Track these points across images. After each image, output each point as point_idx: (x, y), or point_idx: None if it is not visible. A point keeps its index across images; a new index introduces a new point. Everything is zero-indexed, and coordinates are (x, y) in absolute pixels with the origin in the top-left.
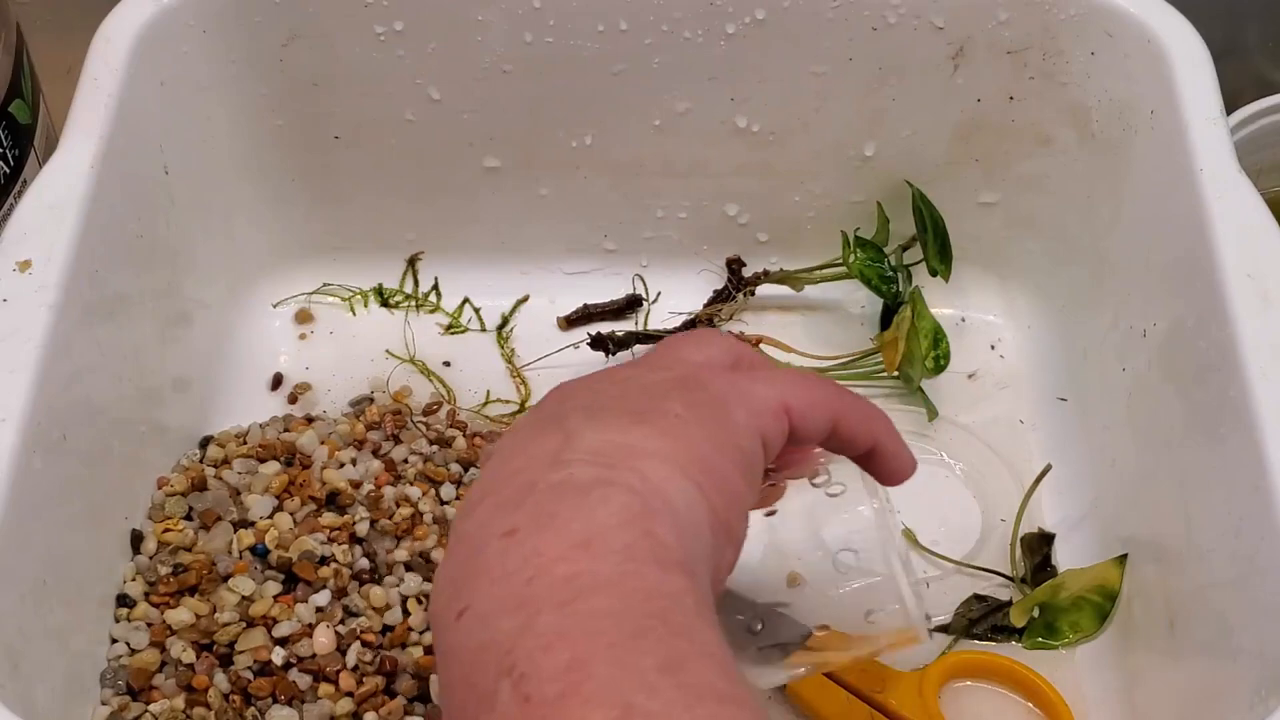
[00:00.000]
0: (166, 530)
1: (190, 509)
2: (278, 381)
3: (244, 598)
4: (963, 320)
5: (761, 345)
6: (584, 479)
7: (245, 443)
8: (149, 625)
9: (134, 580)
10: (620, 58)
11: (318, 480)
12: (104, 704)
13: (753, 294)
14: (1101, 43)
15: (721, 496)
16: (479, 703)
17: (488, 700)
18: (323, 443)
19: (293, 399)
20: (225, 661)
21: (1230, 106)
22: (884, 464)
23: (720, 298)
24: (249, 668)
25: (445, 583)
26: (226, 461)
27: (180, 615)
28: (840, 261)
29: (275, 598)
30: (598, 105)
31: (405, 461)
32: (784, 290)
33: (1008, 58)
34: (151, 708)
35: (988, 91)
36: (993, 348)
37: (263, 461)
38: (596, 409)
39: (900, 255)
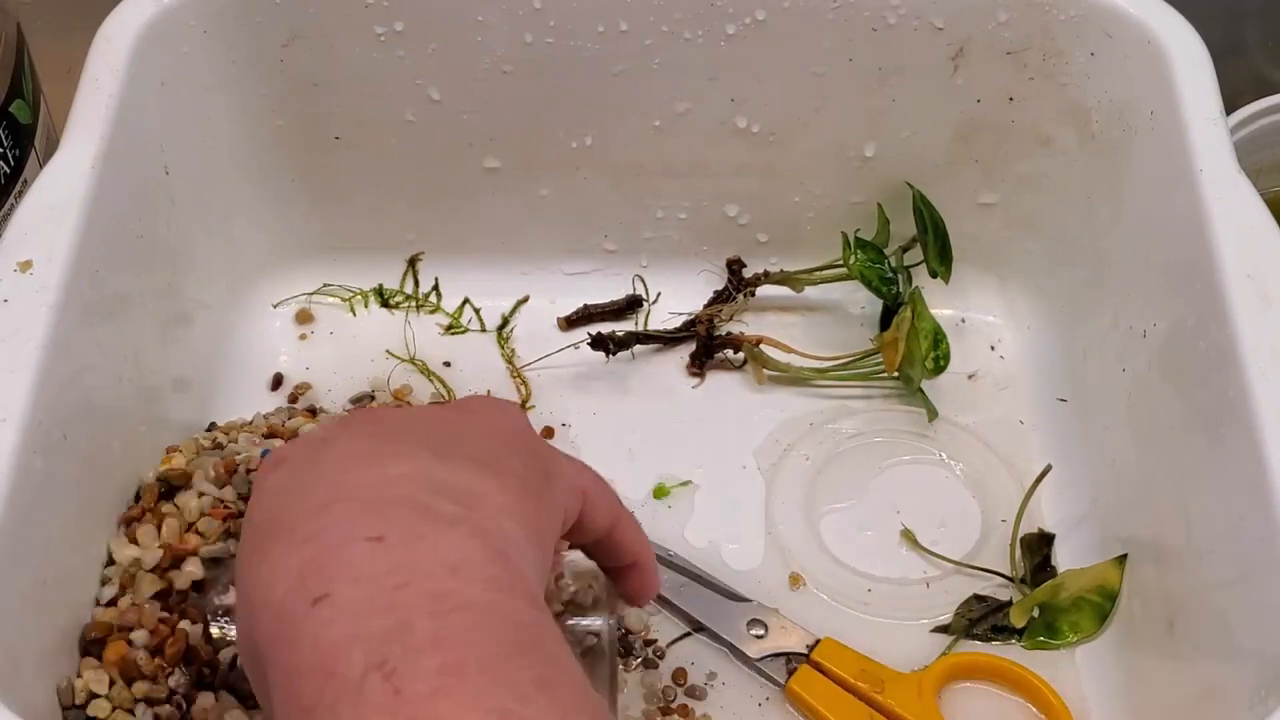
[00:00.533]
0: (167, 467)
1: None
2: (278, 382)
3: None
4: (963, 321)
5: (761, 345)
6: (449, 513)
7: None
8: (122, 574)
9: (119, 534)
10: (620, 58)
11: None
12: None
13: (753, 295)
14: (1101, 43)
15: (545, 557)
16: (339, 690)
17: (350, 689)
18: None
19: (293, 399)
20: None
21: (1230, 106)
22: (638, 578)
23: (720, 298)
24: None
25: (287, 570)
26: (234, 441)
27: (137, 553)
28: (840, 262)
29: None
30: (598, 106)
31: None
32: (784, 291)
33: (1008, 58)
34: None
35: (987, 92)
36: (993, 348)
37: (268, 438)
38: (442, 450)
39: (900, 256)
